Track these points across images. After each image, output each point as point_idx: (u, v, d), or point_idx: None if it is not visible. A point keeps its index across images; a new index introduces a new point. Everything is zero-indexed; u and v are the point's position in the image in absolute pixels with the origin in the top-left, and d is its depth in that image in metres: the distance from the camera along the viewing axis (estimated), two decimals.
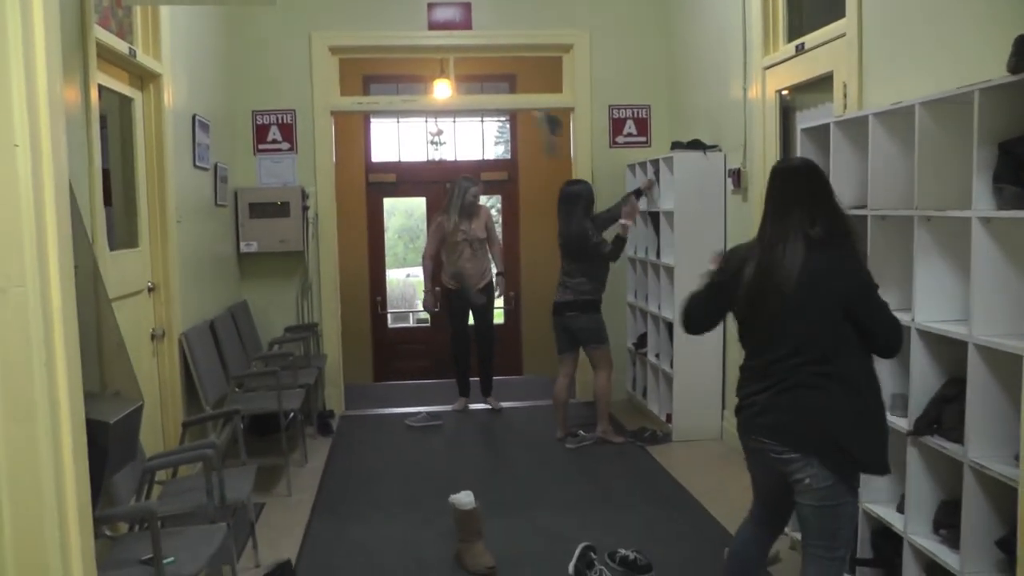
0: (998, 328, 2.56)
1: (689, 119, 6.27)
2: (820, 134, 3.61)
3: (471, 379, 6.60)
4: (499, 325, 6.76)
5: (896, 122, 3.09)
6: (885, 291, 3.14)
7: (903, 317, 2.98)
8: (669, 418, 5.74)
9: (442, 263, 6.45)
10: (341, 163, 7.11)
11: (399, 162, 9.38)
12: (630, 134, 6.80)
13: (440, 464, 5.34)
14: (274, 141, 6.46)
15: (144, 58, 4.29)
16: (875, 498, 3.22)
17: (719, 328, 3.04)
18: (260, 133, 6.45)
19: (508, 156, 9.57)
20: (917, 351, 2.91)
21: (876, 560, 3.24)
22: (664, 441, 5.63)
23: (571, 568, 3.61)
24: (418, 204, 9.75)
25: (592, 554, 3.68)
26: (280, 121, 6.46)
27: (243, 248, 6.28)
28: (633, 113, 6.78)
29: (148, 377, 4.23)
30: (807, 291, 2.58)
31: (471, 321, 6.58)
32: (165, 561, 2.69)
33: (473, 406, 6.61)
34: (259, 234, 6.28)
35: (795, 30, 4.73)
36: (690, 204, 5.47)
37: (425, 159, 9.39)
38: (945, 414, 2.81)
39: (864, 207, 3.22)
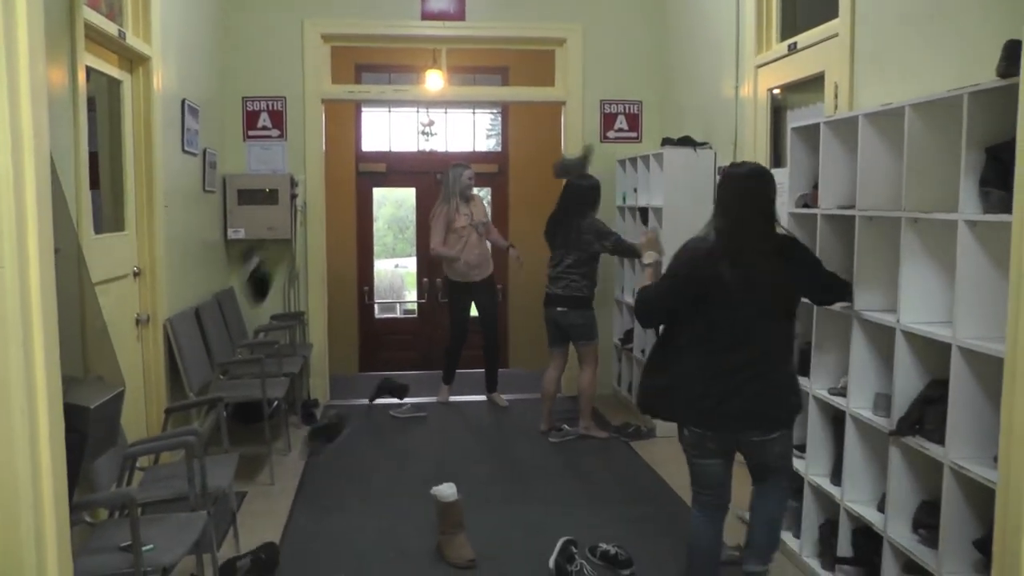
0: (982, 331, 2.57)
1: (680, 116, 6.27)
2: (810, 133, 3.62)
3: (457, 371, 6.58)
4: None
5: (886, 123, 3.09)
6: (870, 291, 3.17)
7: (887, 318, 3.00)
8: None
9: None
10: (331, 151, 7.08)
11: (389, 152, 9.35)
12: (621, 129, 6.79)
13: (423, 456, 5.34)
14: (264, 128, 6.43)
15: (134, 40, 4.26)
16: (856, 498, 3.24)
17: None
18: (250, 119, 6.42)
19: (499, 149, 9.55)
20: (901, 352, 2.92)
21: (856, 559, 3.26)
22: (648, 437, 5.64)
23: (552, 562, 3.61)
24: (408, 195, 9.72)
25: (573, 548, 3.68)
26: (270, 108, 6.42)
27: (230, 235, 6.25)
28: (625, 108, 6.78)
29: (132, 363, 4.21)
30: (778, 293, 2.97)
31: (473, 314, 6.52)
32: (144, 548, 2.67)
33: (455, 398, 6.61)
34: (247, 221, 6.25)
35: (788, 29, 4.73)
36: (679, 201, 5.47)
37: (416, 150, 9.36)
38: (927, 415, 2.82)
39: (852, 207, 3.23)
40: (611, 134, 6.79)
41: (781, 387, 3.03)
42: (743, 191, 2.95)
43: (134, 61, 4.39)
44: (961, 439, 2.63)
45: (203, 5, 5.70)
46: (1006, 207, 2.40)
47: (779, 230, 3.03)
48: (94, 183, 3.83)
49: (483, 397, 6.66)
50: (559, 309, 5.57)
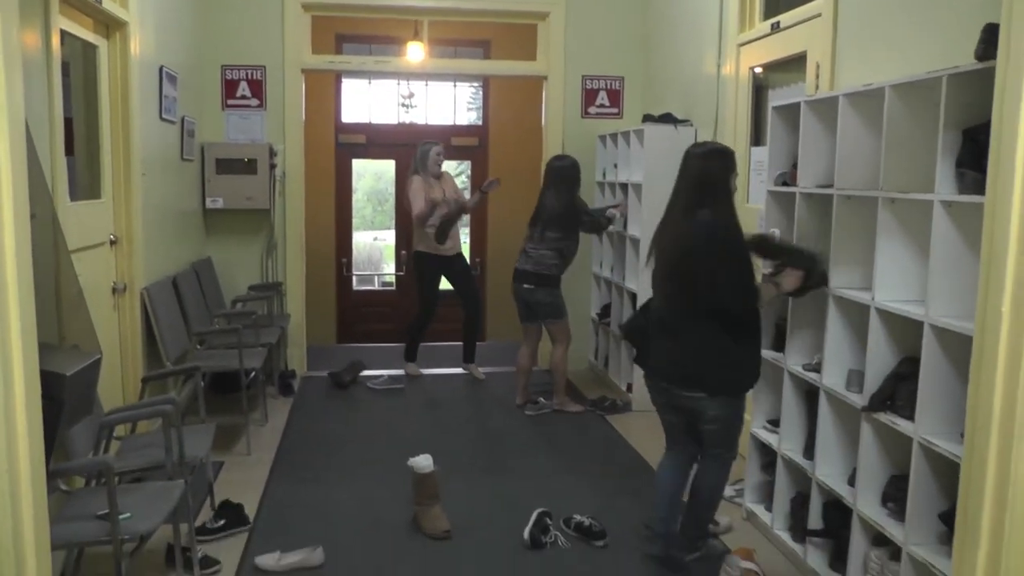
0: (953, 310, 2.61)
1: (662, 92, 6.27)
2: (791, 112, 3.64)
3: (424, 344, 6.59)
4: None
5: (866, 104, 3.11)
6: (846, 270, 3.20)
7: (863, 296, 3.03)
8: (630, 387, 5.79)
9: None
10: (311, 122, 7.02)
11: (369, 124, 9.28)
12: (602, 105, 6.78)
13: (400, 427, 5.36)
14: (243, 97, 6.36)
15: (110, 4, 4.18)
16: (828, 472, 3.29)
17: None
18: (229, 88, 6.34)
19: (480, 122, 9.51)
20: (875, 329, 2.96)
21: (826, 531, 3.32)
22: (624, 410, 5.68)
23: (526, 533, 3.65)
24: (387, 167, 9.67)
25: (548, 520, 3.73)
26: (250, 77, 6.35)
27: (209, 204, 6.19)
28: (606, 84, 6.76)
29: (108, 331, 4.18)
30: (675, 267, 3.30)
31: (447, 288, 6.51)
32: (121, 517, 2.67)
33: (429, 371, 6.62)
34: (225, 190, 6.20)
35: (771, 8, 4.73)
36: (659, 177, 5.45)
37: (396, 122, 9.30)
38: (899, 392, 2.87)
39: (830, 186, 3.25)
40: (592, 110, 6.77)
41: (696, 350, 3.21)
42: (693, 165, 3.38)
43: (110, 26, 4.32)
44: (930, 415, 2.68)
45: None
46: (980, 188, 2.43)
47: (703, 215, 3.23)
48: (69, 150, 3.78)
49: (459, 370, 6.67)
50: (525, 286, 5.58)
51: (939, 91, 2.59)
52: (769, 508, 3.78)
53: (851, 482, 3.16)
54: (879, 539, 2.97)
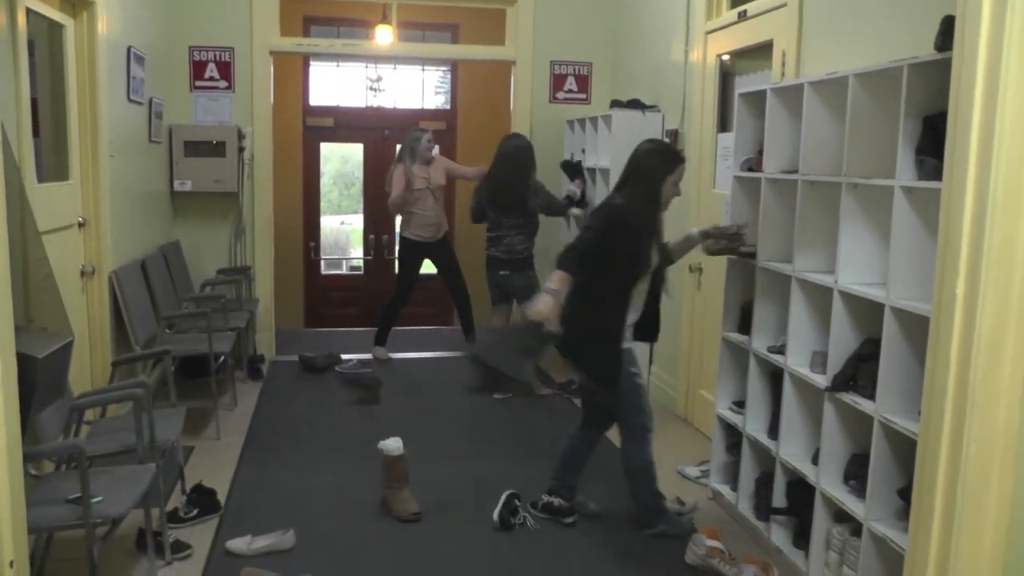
0: (913, 292, 2.68)
1: (630, 79, 6.31)
2: (757, 99, 3.70)
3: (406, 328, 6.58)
4: (433, 275, 6.74)
5: (830, 91, 3.17)
6: (810, 253, 3.27)
7: (826, 279, 3.11)
8: None
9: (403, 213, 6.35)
10: (279, 105, 6.97)
11: (337, 107, 9.23)
12: (571, 90, 6.81)
13: (368, 411, 5.37)
14: (211, 79, 6.30)
15: None
16: (792, 451, 3.37)
17: (644, 284, 3.51)
18: (197, 70, 6.28)
19: (448, 106, 9.49)
20: (838, 311, 3.03)
21: (790, 509, 3.40)
22: None
23: (496, 515, 3.69)
24: (355, 151, 9.62)
25: (516, 501, 3.77)
26: (218, 59, 6.29)
27: (177, 187, 6.14)
28: (575, 70, 6.79)
29: (77, 315, 4.14)
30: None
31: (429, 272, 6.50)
32: (93, 500, 2.67)
33: (398, 355, 6.64)
34: (194, 173, 6.14)
35: None
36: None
37: (364, 105, 9.26)
38: (861, 372, 2.94)
39: (795, 172, 3.32)
40: (560, 95, 6.80)
41: (573, 326, 3.37)
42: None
43: (77, 5, 4.26)
44: (891, 394, 2.76)
45: None
46: (939, 175, 2.50)
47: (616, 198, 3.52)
48: (35, 131, 3.74)
49: (429, 354, 6.69)
50: (501, 272, 5.64)
51: (901, 80, 2.66)
52: (734, 488, 3.86)
53: (814, 461, 3.24)
54: (841, 516, 3.06)
